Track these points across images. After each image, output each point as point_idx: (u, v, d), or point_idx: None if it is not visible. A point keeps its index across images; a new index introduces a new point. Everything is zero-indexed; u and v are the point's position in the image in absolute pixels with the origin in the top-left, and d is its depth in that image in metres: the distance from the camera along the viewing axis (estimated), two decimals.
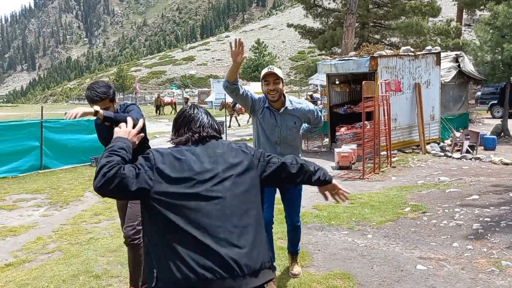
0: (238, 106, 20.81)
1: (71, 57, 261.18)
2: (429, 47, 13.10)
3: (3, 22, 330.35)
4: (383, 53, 11.57)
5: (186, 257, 1.81)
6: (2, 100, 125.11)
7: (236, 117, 23.04)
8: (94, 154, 11.07)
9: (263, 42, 62.36)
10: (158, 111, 32.36)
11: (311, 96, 21.86)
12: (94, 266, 4.50)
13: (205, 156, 2.03)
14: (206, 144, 2.10)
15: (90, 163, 11.08)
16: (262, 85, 3.74)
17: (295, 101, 3.90)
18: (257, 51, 58.59)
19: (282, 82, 3.74)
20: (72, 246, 5.21)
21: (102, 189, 1.91)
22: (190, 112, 2.22)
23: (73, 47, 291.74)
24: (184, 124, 2.18)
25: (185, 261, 1.80)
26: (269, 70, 3.70)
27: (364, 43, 18.52)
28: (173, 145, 2.14)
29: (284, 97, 3.80)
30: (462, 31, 28.06)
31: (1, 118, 21.74)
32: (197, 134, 2.13)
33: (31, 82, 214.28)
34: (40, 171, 10.45)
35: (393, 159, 10.37)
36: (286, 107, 3.77)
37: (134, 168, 1.96)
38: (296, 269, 4.15)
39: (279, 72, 3.72)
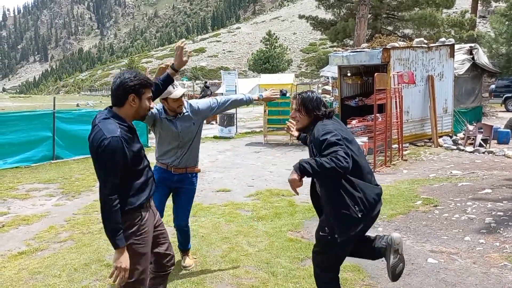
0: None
1: (83, 48, 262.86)
2: (442, 39, 12.92)
3: (16, 13, 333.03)
4: (396, 44, 11.44)
5: (370, 188, 2.93)
6: (15, 91, 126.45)
7: None
8: None
9: (274, 33, 62.12)
10: None
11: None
12: (106, 255, 4.54)
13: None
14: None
15: None
16: (168, 101, 3.86)
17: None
18: (268, 43, 58.38)
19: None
20: (84, 236, 5.27)
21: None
22: (315, 95, 3.12)
23: (85, 39, 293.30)
24: (318, 103, 3.06)
25: (371, 190, 2.93)
26: (180, 94, 3.82)
27: (376, 35, 18.32)
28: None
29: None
30: (477, 23, 27.63)
31: (14, 109, 22.00)
32: (328, 110, 3.07)
33: (44, 73, 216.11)
34: (52, 161, 10.56)
35: (404, 152, 10.29)
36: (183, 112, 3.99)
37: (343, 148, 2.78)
38: (187, 261, 4.29)
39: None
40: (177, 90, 3.78)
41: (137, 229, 2.66)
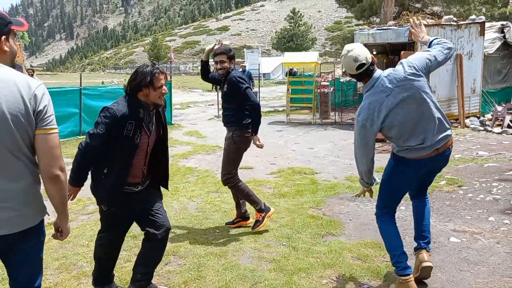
0: None
1: (108, 26, 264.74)
2: (473, 17, 12.53)
3: None
4: (424, 22, 11.14)
5: None
6: (42, 69, 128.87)
7: None
8: None
9: (298, 11, 61.23)
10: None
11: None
12: (131, 227, 4.66)
13: None
14: None
15: None
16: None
17: None
18: (292, 21, 57.66)
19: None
20: None
21: None
22: None
23: (110, 17, 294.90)
24: None
25: None
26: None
27: (404, 12, 17.87)
28: None
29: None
30: (510, 0, 26.54)
31: None
32: None
33: (69, 51, 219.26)
34: (79, 137, 10.81)
35: None
36: None
37: None
38: None
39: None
40: None
41: None
